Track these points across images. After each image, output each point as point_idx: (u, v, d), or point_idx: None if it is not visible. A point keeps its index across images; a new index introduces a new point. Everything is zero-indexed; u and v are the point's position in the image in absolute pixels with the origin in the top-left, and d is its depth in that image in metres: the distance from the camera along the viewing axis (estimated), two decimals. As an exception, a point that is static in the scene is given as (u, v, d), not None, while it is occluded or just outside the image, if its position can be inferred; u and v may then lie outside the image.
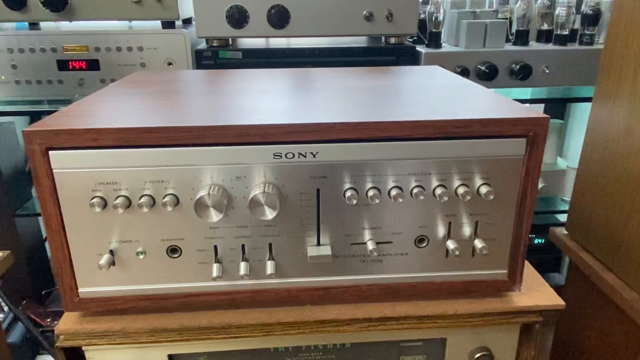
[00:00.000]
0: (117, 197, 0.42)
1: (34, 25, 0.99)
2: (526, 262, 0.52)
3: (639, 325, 0.63)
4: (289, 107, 0.47)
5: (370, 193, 0.43)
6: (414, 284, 0.48)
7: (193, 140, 0.41)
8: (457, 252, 0.45)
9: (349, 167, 0.43)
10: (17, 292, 1.03)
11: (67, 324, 0.46)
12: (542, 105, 1.25)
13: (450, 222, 0.46)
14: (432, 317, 0.49)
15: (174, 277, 0.45)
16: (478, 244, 0.46)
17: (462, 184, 0.44)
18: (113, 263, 0.44)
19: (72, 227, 0.43)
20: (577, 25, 1.06)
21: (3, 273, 0.74)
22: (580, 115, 1.29)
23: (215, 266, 0.44)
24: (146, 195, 0.42)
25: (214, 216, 0.42)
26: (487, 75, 0.98)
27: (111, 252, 0.44)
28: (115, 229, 0.43)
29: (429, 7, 1.02)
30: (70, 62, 0.95)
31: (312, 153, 0.42)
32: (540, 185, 1.10)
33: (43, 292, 1.13)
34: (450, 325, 0.49)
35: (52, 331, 1.08)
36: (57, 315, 1.08)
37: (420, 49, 1.01)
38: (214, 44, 0.97)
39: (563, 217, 1.15)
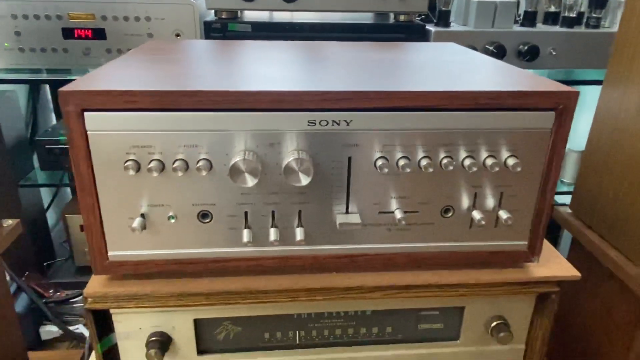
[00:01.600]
0: (151, 161, 0.42)
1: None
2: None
3: (642, 299, 0.65)
4: (319, 77, 0.48)
5: (401, 162, 0.44)
6: (437, 253, 0.49)
7: (228, 105, 0.41)
8: (482, 222, 0.46)
9: (381, 136, 0.44)
10: (19, 264, 1.02)
11: (96, 287, 0.46)
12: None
13: (476, 193, 0.47)
14: (453, 285, 0.50)
15: (203, 242, 0.46)
16: (503, 214, 0.47)
17: (490, 156, 0.45)
18: (144, 227, 0.44)
19: (104, 190, 0.43)
20: (584, 8, 1.07)
21: (10, 243, 0.74)
22: (582, 98, 1.31)
23: (245, 232, 0.45)
24: (180, 159, 0.42)
25: (249, 181, 0.42)
26: (496, 56, 0.99)
27: (142, 215, 0.44)
28: (148, 192, 0.43)
29: (439, -15, 1.02)
30: (75, 30, 0.94)
31: (345, 121, 0.43)
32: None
33: (45, 264, 1.12)
34: (469, 294, 0.50)
35: (55, 302, 1.08)
36: (59, 286, 1.08)
37: (430, 27, 1.01)
38: (223, 16, 0.96)
39: (561, 199, 1.17)
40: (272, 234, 0.45)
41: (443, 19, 1.02)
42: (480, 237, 0.49)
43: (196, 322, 0.50)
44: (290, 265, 0.47)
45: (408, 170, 0.44)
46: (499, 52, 0.99)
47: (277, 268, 0.47)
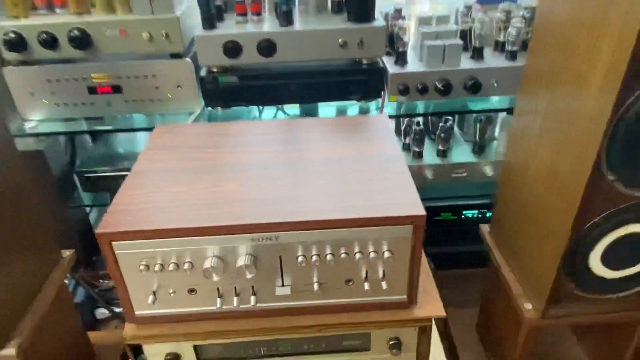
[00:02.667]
0: (155, 264, 0.68)
1: (67, 61, 1.18)
2: (431, 281, 0.78)
3: (519, 315, 0.91)
4: (260, 209, 0.71)
5: (314, 259, 0.69)
6: (347, 304, 0.75)
7: (202, 233, 0.66)
8: (370, 291, 0.71)
9: (299, 244, 0.68)
10: (74, 263, 1.33)
11: (129, 330, 0.75)
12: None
13: (367, 271, 0.71)
14: (360, 323, 0.76)
15: (193, 305, 0.73)
16: (384, 285, 0.72)
17: (373, 251, 0.69)
18: (155, 298, 0.71)
19: (129, 280, 0.69)
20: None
21: (69, 270, 1.04)
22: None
23: (218, 300, 0.72)
24: (173, 263, 0.68)
25: (214, 277, 0.68)
26: (444, 91, 1.17)
27: (154, 292, 0.71)
28: (156, 281, 0.70)
29: (396, 29, 1.18)
30: (98, 87, 1.17)
31: (275, 237, 0.67)
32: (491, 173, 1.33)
33: (93, 258, 1.44)
34: (372, 327, 0.77)
35: (104, 290, 1.39)
36: (106, 276, 1.40)
37: (389, 66, 1.19)
38: (214, 70, 1.16)
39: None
40: (235, 300, 0.72)
41: (401, 58, 1.20)
42: (374, 294, 0.74)
43: (195, 347, 0.78)
44: (249, 316, 0.74)
45: (318, 264, 0.69)
46: (447, 88, 1.17)
47: (241, 317, 0.75)
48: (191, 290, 0.72)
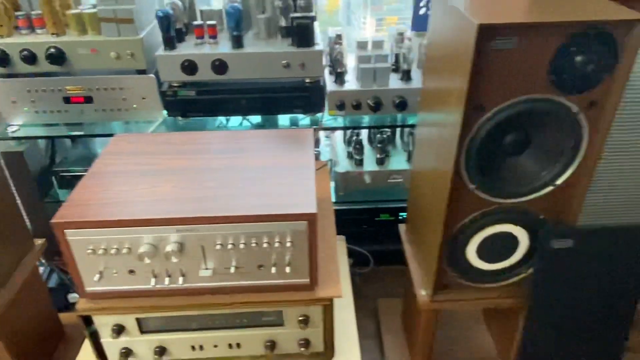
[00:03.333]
0: (100, 249, 0.84)
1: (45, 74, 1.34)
2: (336, 267, 0.95)
3: (417, 300, 1.07)
4: (185, 205, 0.88)
5: (229, 247, 0.85)
6: (259, 285, 0.91)
7: (139, 224, 0.83)
8: (277, 274, 0.88)
9: (217, 234, 0.85)
10: (50, 251, 1.50)
11: (81, 304, 0.91)
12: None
13: (274, 258, 0.88)
14: (270, 302, 0.93)
15: (133, 283, 0.89)
16: (287, 269, 0.88)
17: (278, 242, 0.86)
18: (102, 277, 0.88)
19: (79, 261, 0.86)
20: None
21: (40, 256, 1.20)
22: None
23: (153, 279, 0.88)
24: (115, 248, 0.85)
25: (147, 260, 0.85)
26: (374, 108, 1.34)
27: (100, 272, 0.87)
28: (101, 262, 0.86)
29: (335, 52, 1.36)
30: (72, 98, 1.33)
31: (197, 229, 0.84)
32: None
33: (68, 249, 1.60)
34: (281, 305, 0.93)
35: (77, 277, 1.53)
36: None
37: (329, 85, 1.36)
38: (175, 85, 1.33)
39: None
40: (167, 280, 0.88)
41: (339, 78, 1.37)
42: (283, 278, 0.91)
43: (137, 319, 0.94)
44: (179, 294, 0.91)
45: (233, 251, 0.85)
46: (377, 105, 1.34)
47: (172, 295, 0.91)
48: (131, 271, 0.88)
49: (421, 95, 1.08)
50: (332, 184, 1.56)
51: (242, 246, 0.86)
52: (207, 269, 0.89)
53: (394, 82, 1.37)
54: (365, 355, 1.07)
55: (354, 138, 1.53)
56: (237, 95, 1.34)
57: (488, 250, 0.98)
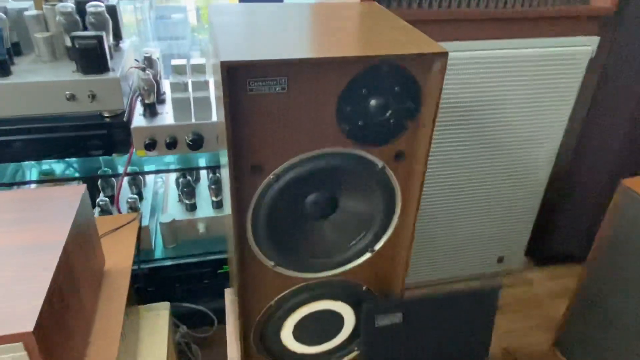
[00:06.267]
0: None
1: None
2: None
3: None
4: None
5: None
6: None
7: None
8: None
9: None
10: None
11: None
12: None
13: None
14: None
15: None
16: None
17: None
18: None
19: None
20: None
21: None
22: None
23: None
24: None
25: None
26: (194, 146, 1.11)
27: None
28: None
29: (140, 80, 1.10)
30: None
31: None
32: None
33: None
34: None
35: None
36: None
37: (135, 119, 1.10)
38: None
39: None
40: None
41: (149, 110, 1.12)
42: None
43: None
44: None
45: None
46: (197, 143, 1.10)
47: None
48: None
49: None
50: (159, 237, 1.29)
51: None
52: None
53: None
54: None
55: (181, 180, 1.28)
56: (8, 137, 1.04)
57: (309, 332, 0.79)
